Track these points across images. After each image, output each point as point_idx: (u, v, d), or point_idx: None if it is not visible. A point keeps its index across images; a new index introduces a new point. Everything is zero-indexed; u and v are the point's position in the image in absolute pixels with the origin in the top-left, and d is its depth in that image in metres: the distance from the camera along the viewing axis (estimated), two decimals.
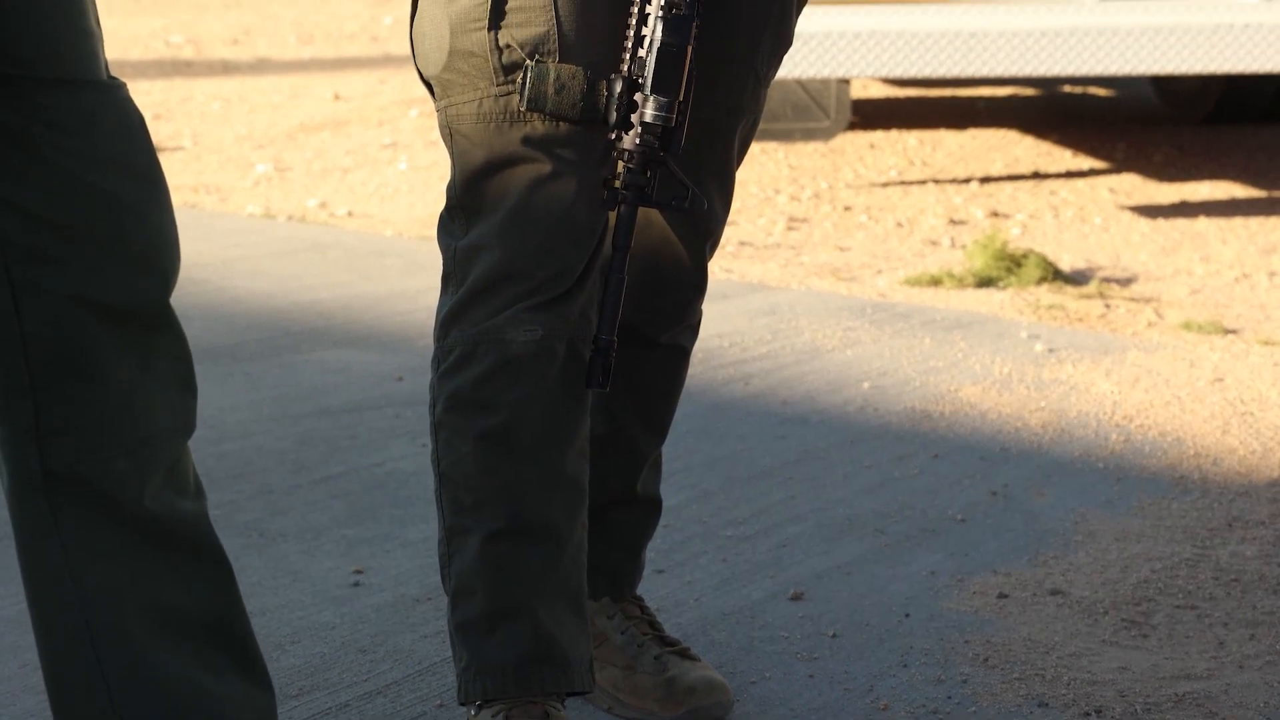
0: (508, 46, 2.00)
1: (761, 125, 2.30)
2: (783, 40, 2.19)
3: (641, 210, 2.12)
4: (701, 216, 2.20)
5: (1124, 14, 5.16)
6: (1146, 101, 7.54)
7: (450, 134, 2.06)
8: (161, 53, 9.23)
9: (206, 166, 6.43)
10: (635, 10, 2.01)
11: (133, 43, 9.53)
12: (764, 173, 6.22)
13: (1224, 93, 6.80)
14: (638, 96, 2.01)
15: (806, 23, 4.90)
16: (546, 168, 2.02)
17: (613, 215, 2.08)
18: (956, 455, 3.40)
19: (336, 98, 7.82)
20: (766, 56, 2.18)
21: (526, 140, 2.02)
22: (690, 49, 2.00)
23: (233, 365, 3.91)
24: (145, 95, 7.87)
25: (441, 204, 2.18)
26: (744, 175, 5.86)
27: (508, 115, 2.02)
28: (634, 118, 2.01)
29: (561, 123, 2.01)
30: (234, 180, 6.20)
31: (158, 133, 7.02)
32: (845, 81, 5.65)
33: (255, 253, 4.99)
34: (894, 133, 6.92)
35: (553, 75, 1.99)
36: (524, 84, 2.00)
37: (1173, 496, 3.20)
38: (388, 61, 8.94)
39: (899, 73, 5.19)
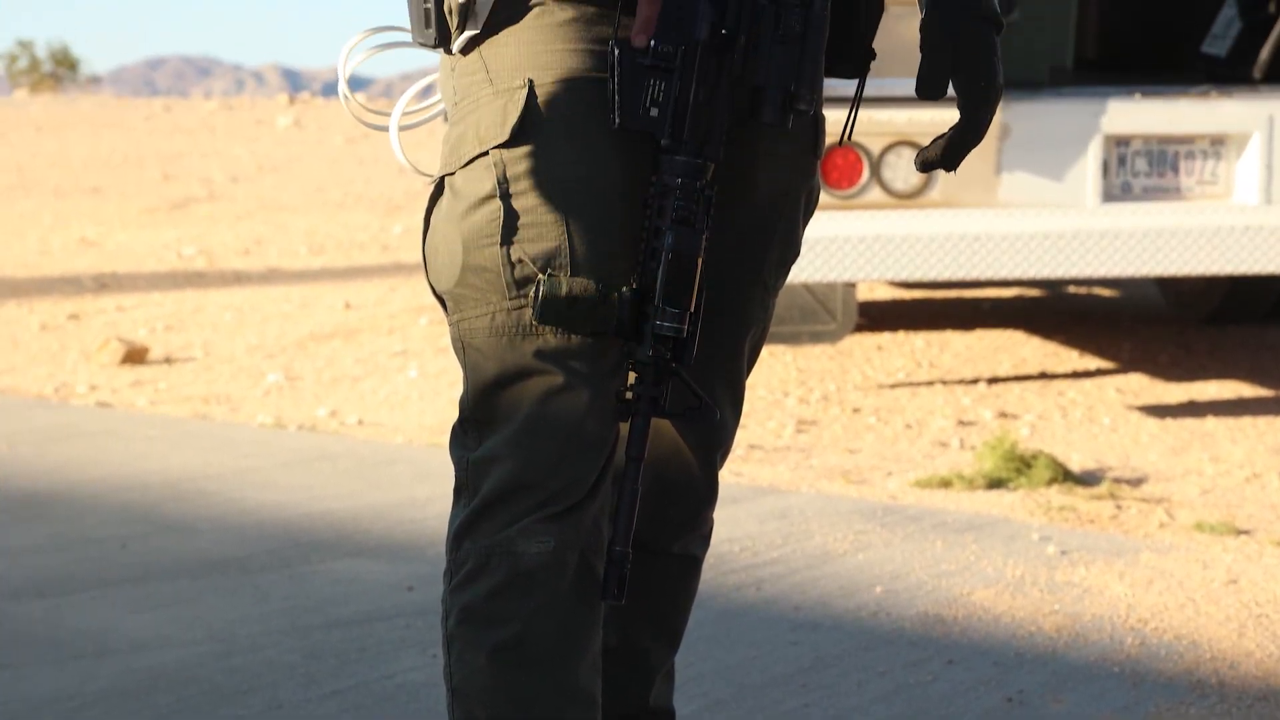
0: (520, 261, 2.03)
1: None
2: (791, 250, 2.22)
3: (653, 420, 2.13)
4: (713, 427, 2.21)
5: (1126, 216, 5.22)
6: (1151, 301, 7.59)
7: (463, 348, 2.08)
8: (174, 264, 9.33)
9: (218, 377, 6.46)
10: (646, 223, 2.04)
11: (146, 255, 9.64)
12: (772, 375, 6.24)
13: (1228, 293, 6.84)
14: (649, 308, 2.03)
15: (812, 228, 4.96)
16: (559, 380, 2.03)
17: (625, 425, 2.09)
18: (971, 661, 3.37)
19: (347, 306, 7.88)
20: (775, 267, 2.20)
21: (539, 353, 2.03)
22: (700, 260, 2.02)
23: (242, 578, 3.90)
24: (158, 307, 7.94)
25: (451, 410, 2.20)
26: (752, 378, 5.90)
27: (520, 329, 2.03)
28: (646, 329, 2.03)
29: (574, 335, 2.03)
30: (245, 390, 6.23)
31: (169, 344, 7.07)
32: (851, 285, 5.70)
33: (266, 463, 5.00)
34: (901, 334, 6.96)
35: (565, 289, 2.01)
36: (536, 298, 2.02)
37: (1190, 701, 3.17)
38: (398, 270, 9.03)
39: (904, 276, 5.23)
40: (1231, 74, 5.78)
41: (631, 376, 2.06)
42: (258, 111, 22.02)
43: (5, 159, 15.24)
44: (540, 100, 2.05)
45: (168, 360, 6.75)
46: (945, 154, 2.17)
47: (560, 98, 2.05)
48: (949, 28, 2.15)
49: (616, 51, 2.00)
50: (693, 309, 2.03)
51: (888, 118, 5.09)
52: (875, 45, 2.23)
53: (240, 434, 5.47)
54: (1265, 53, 5.72)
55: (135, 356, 6.69)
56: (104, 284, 8.60)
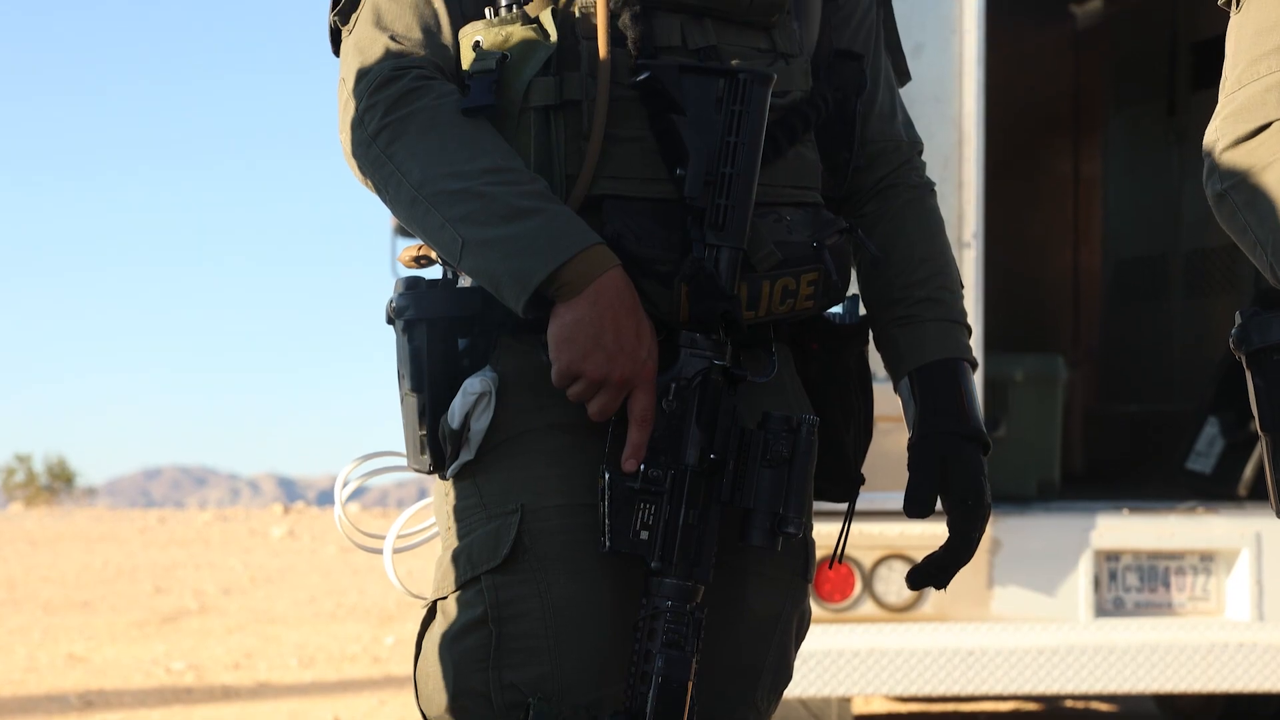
0: (511, 686, 2.02)
1: None
2: (783, 675, 2.21)
3: None
4: None
5: (1119, 632, 5.20)
6: (1149, 715, 7.50)
7: None
8: (162, 680, 9.24)
9: None
10: (637, 645, 2.03)
11: (134, 670, 9.55)
12: None
13: (1226, 707, 6.77)
14: None
15: (806, 641, 4.94)
16: None
17: None
18: None
19: None
20: (767, 692, 2.19)
21: None
22: (691, 685, 2.02)
23: None
24: None
25: None
26: None
27: None
28: None
29: None
30: None
31: None
32: (846, 699, 5.64)
33: None
34: None
35: (555, 714, 2.00)
36: None
37: None
38: (389, 683, 8.94)
39: (900, 690, 5.19)
40: (1217, 491, 5.83)
41: None
42: (252, 521, 22.12)
43: None
44: (532, 525, 2.07)
45: None
46: (936, 571, 2.19)
47: (552, 523, 2.07)
48: (936, 447, 2.19)
49: (607, 476, 2.03)
50: None
51: (879, 531, 5.11)
52: (867, 457, 2.26)
53: None
54: (1249, 471, 5.79)
55: None
56: (90, 701, 8.51)
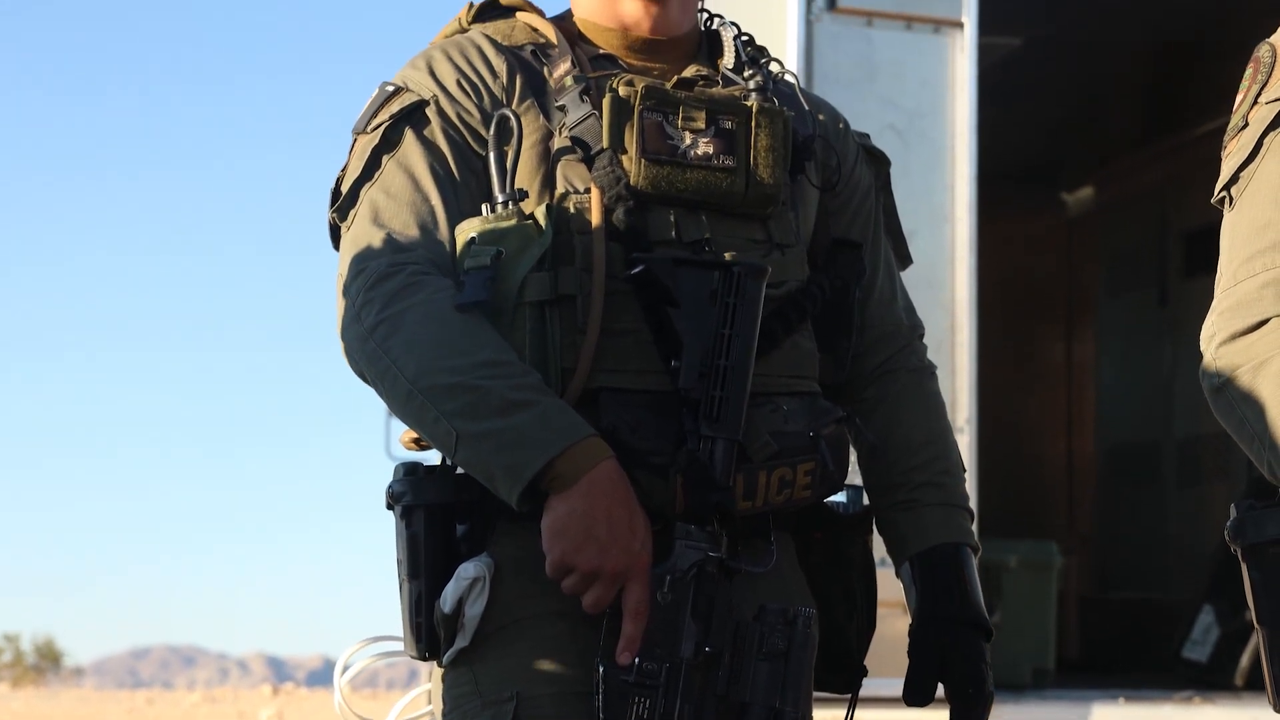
0: None
1: None
2: None
3: None
4: None
5: None
6: None
7: None
8: None
9: None
10: None
11: None
12: None
13: None
14: None
15: None
16: None
17: None
18: None
19: None
20: None
21: None
22: None
23: None
24: None
25: None
26: None
27: None
28: None
29: None
30: None
31: None
32: None
33: None
34: None
35: None
36: None
37: None
38: None
39: None
40: (1213, 680, 5.80)
41: None
42: (241, 703, 21.90)
43: None
44: (527, 714, 2.05)
45: None
46: None
47: (547, 712, 2.06)
48: (937, 634, 2.17)
49: (601, 669, 2.01)
50: None
51: (880, 718, 5.07)
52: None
53: None
54: (1245, 660, 5.76)
55: None
56: None
